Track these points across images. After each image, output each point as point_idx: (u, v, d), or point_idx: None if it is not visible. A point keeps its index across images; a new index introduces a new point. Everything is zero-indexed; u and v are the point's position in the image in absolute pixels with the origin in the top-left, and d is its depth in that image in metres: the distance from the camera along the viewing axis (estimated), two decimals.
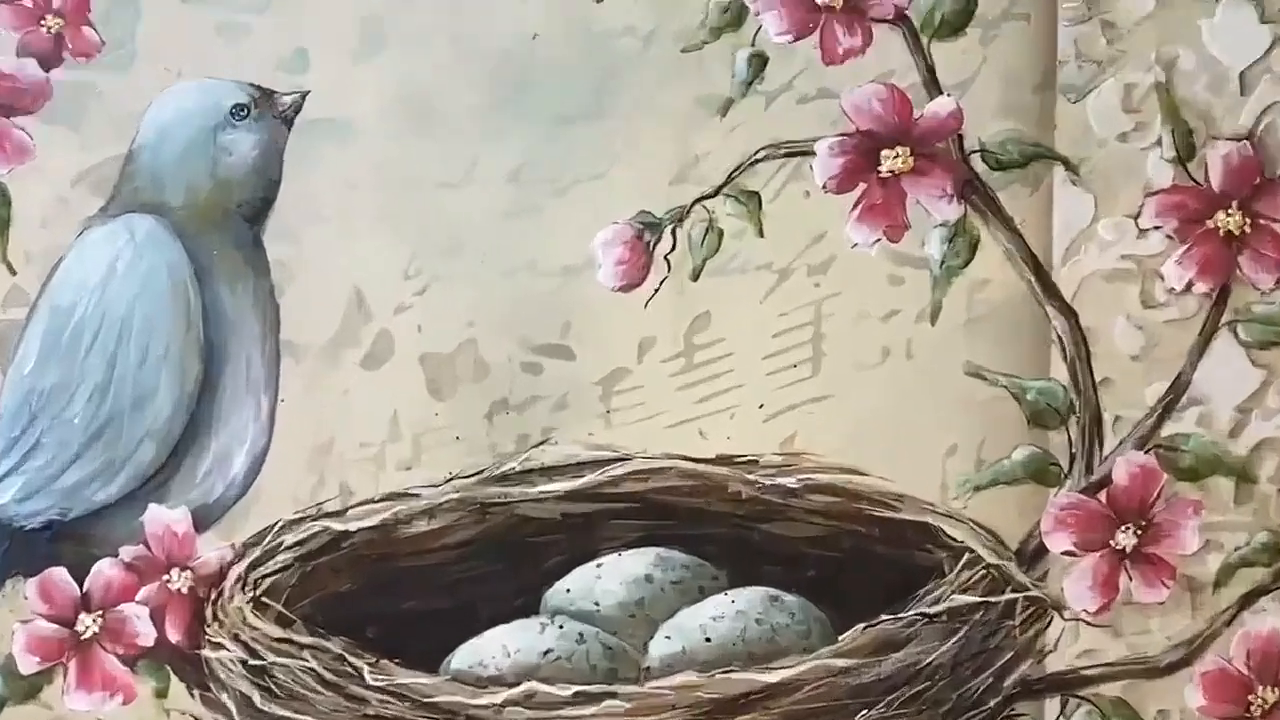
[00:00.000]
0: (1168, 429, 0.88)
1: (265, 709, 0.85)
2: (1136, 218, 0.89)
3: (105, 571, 0.89)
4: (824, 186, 0.87)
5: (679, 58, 0.88)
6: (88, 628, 0.88)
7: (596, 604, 0.89)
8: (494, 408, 0.91)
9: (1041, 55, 0.88)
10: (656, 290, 0.89)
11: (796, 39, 0.87)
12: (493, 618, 0.88)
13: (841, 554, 0.91)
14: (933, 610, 0.85)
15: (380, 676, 0.84)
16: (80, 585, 0.89)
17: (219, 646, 0.87)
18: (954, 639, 0.85)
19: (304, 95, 0.90)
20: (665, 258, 0.89)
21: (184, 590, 0.89)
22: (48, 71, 0.89)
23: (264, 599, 0.88)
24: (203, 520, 0.91)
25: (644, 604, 0.89)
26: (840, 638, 0.85)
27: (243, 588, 0.89)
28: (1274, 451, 0.88)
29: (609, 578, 0.90)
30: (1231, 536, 0.88)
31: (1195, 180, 0.87)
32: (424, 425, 0.91)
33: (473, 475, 0.91)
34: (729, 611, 0.87)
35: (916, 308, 0.90)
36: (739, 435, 0.91)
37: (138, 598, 0.89)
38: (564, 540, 0.92)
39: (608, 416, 0.91)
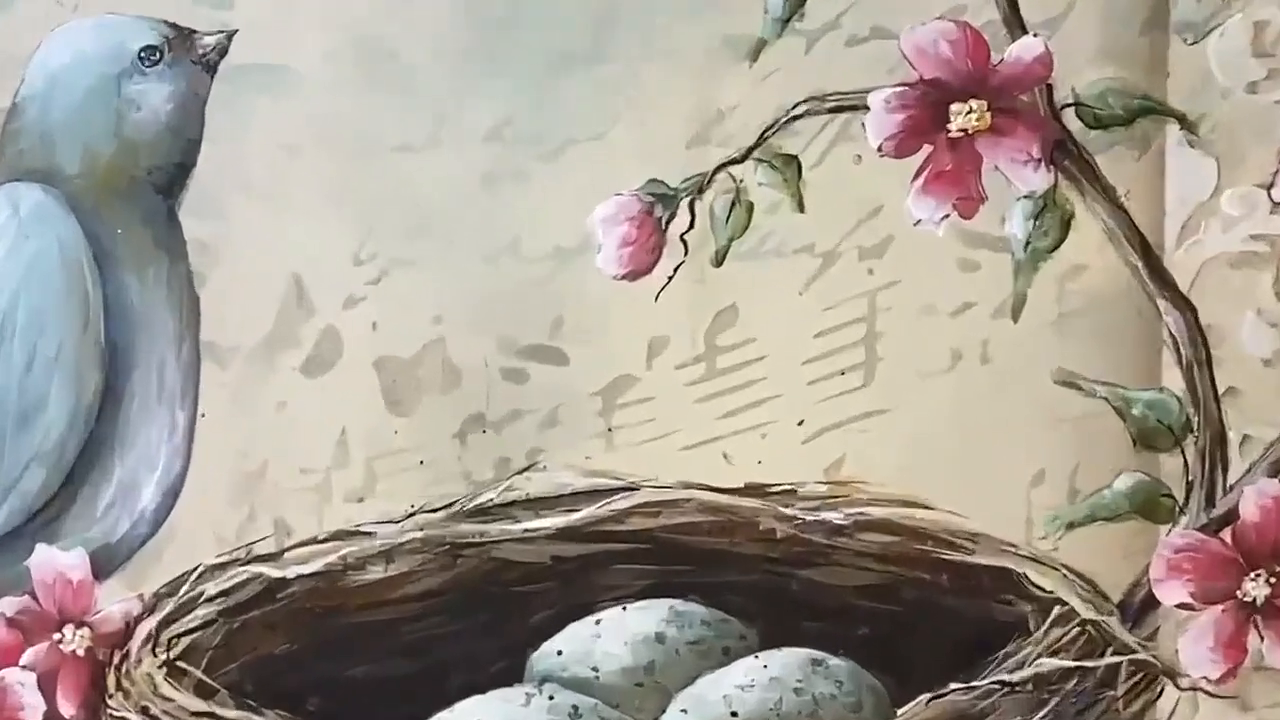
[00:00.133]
0: None
1: None
2: (1270, 188, 0.87)
3: None
4: (879, 149, 0.83)
5: None
6: None
7: (595, 670, 0.85)
8: (467, 425, 0.90)
9: None
10: (670, 278, 0.86)
11: None
12: (466, 686, 0.84)
13: (901, 607, 0.89)
14: (1015, 678, 0.81)
15: None
16: None
17: None
18: (1041, 714, 0.80)
19: (230, 35, 0.89)
20: (681, 238, 0.85)
21: (80, 652, 0.86)
22: None
23: (180, 663, 0.85)
24: (104, 564, 0.88)
25: (654, 669, 0.85)
26: (899, 712, 0.81)
27: (154, 649, 0.86)
28: None
29: (610, 637, 0.86)
30: None
31: None
32: (380, 446, 0.90)
33: (441, 509, 0.89)
34: (760, 679, 0.83)
35: (994, 300, 0.88)
36: (773, 459, 0.89)
37: (21, 661, 0.86)
38: (555, 590, 0.90)
39: (609, 436, 0.90)
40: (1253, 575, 0.83)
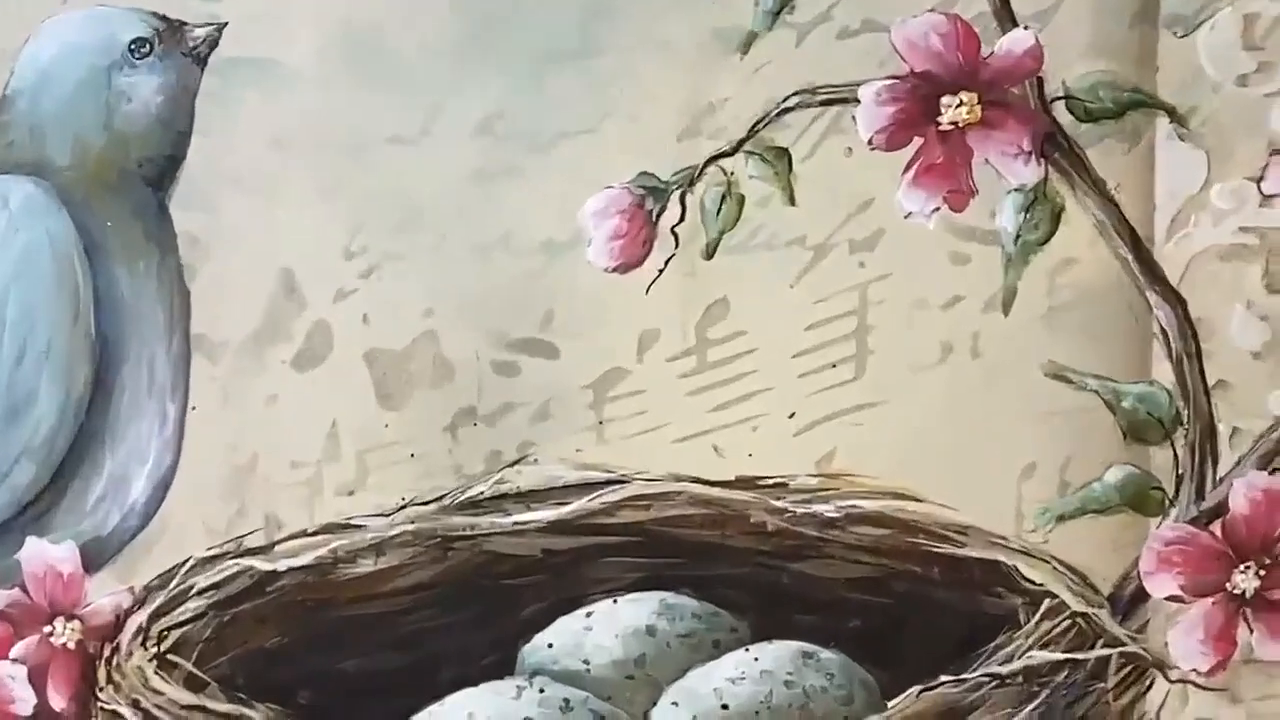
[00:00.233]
0: None
1: None
2: (1259, 181, 0.87)
3: None
4: (870, 142, 0.83)
5: None
6: None
7: (586, 662, 0.85)
8: (458, 418, 0.90)
9: None
10: (661, 271, 0.86)
11: None
12: (457, 679, 0.84)
13: (892, 600, 0.89)
14: (1005, 670, 0.81)
15: None
16: None
17: (114, 715, 0.84)
18: (1032, 706, 0.80)
19: (220, 28, 0.89)
20: (672, 231, 0.85)
21: (70, 645, 0.86)
22: None
23: (170, 656, 0.85)
24: (94, 558, 0.88)
25: (645, 662, 0.85)
26: (890, 704, 0.81)
27: (144, 642, 0.85)
28: None
29: (601, 630, 0.86)
30: None
31: None
32: (370, 440, 0.90)
33: (431, 502, 0.89)
34: (751, 672, 0.83)
35: (985, 294, 0.88)
36: (764, 452, 0.89)
37: (12, 654, 0.86)
38: (545, 583, 0.90)
39: (600, 429, 0.90)
40: (1242, 568, 0.82)
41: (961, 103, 0.82)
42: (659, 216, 0.85)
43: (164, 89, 0.88)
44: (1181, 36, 0.86)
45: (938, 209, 0.83)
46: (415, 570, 0.89)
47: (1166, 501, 0.85)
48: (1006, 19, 0.83)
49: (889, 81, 0.83)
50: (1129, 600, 0.85)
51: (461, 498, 0.89)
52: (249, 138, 0.89)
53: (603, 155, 0.87)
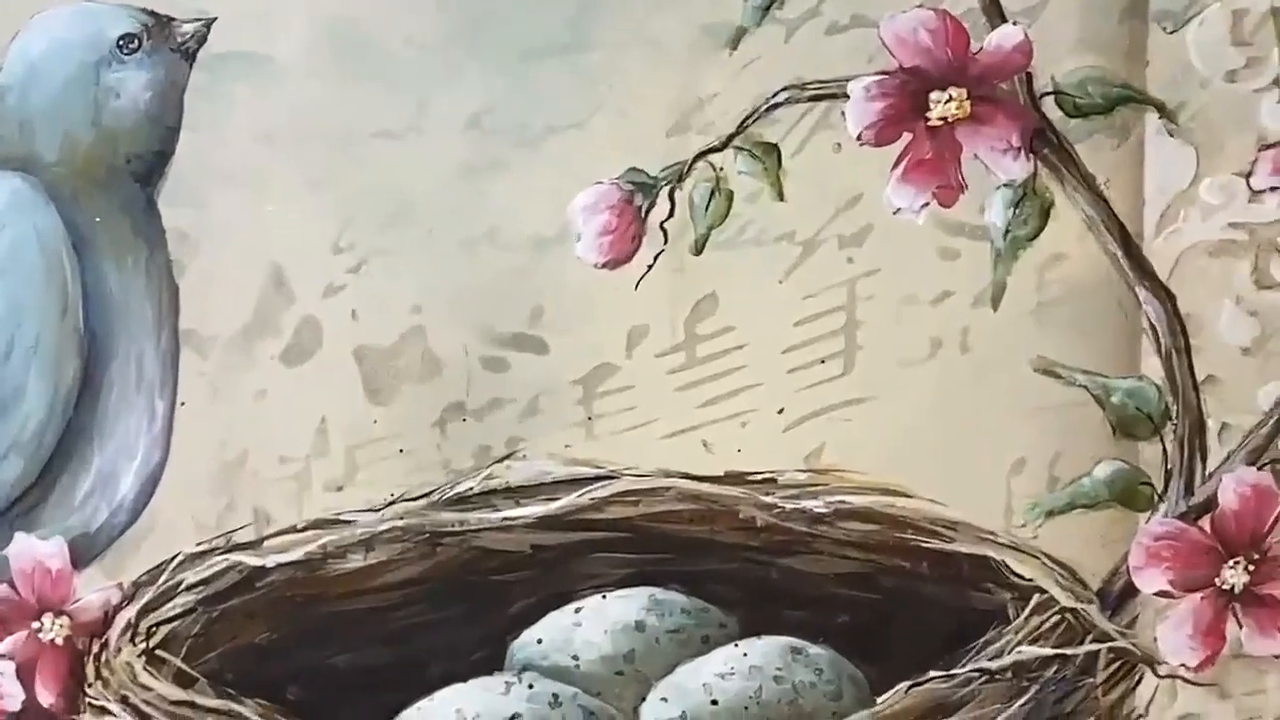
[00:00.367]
0: None
1: None
2: (1248, 176, 0.86)
3: None
4: (859, 138, 0.82)
5: None
6: None
7: (575, 658, 0.85)
8: (447, 413, 0.90)
9: None
10: (650, 267, 0.85)
11: None
12: (446, 675, 0.84)
13: (881, 595, 0.89)
14: (994, 665, 0.81)
15: None
16: None
17: (102, 711, 0.83)
18: (1021, 701, 0.80)
19: (208, 24, 0.88)
20: (661, 226, 0.85)
21: (59, 641, 0.85)
22: None
23: (159, 652, 0.85)
24: (83, 553, 0.88)
25: (634, 658, 0.85)
26: (879, 700, 0.81)
27: (133, 638, 0.85)
28: None
29: (590, 625, 0.86)
30: None
31: None
32: (359, 435, 0.90)
33: (420, 498, 0.89)
34: (740, 667, 0.83)
35: (974, 289, 0.88)
36: (753, 447, 0.89)
37: (0, 650, 0.85)
38: (534, 578, 0.90)
39: (589, 424, 0.90)
40: (1231, 563, 0.82)
41: (950, 98, 0.82)
42: (648, 212, 0.85)
43: (152, 84, 0.87)
44: (1171, 32, 0.86)
45: (927, 204, 0.83)
46: (404, 566, 0.89)
47: (1156, 497, 0.84)
48: (995, 14, 0.83)
49: (878, 77, 0.82)
50: (1118, 595, 0.84)
51: (450, 493, 0.89)
52: (238, 133, 0.88)
53: (592, 151, 0.87)
